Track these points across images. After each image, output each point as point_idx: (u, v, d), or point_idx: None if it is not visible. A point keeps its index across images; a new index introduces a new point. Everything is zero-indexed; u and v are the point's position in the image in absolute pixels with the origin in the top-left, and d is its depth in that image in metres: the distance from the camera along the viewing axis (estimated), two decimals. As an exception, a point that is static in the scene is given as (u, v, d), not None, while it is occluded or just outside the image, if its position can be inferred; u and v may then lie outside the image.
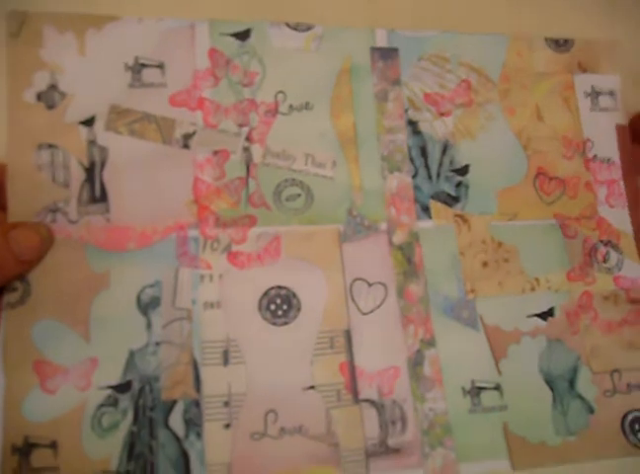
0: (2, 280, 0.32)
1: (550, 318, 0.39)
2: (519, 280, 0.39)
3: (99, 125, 0.36)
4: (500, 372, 0.37)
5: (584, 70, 0.44)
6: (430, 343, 0.37)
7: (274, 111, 0.38)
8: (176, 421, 0.33)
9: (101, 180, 0.35)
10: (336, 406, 0.35)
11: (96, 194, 0.35)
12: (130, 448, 0.32)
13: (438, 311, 0.37)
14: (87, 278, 0.34)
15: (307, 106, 0.39)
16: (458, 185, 0.40)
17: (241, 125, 0.38)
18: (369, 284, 0.37)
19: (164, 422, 0.33)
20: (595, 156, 0.43)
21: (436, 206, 0.39)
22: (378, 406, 0.35)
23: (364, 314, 0.37)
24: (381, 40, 0.41)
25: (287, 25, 0.40)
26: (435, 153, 0.40)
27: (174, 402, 0.33)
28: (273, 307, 0.36)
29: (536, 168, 0.41)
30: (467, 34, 0.42)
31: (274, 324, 0.36)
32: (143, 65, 0.37)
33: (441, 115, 0.41)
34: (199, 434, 0.33)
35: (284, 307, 0.36)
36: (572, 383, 0.38)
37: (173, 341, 0.34)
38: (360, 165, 0.39)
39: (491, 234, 0.39)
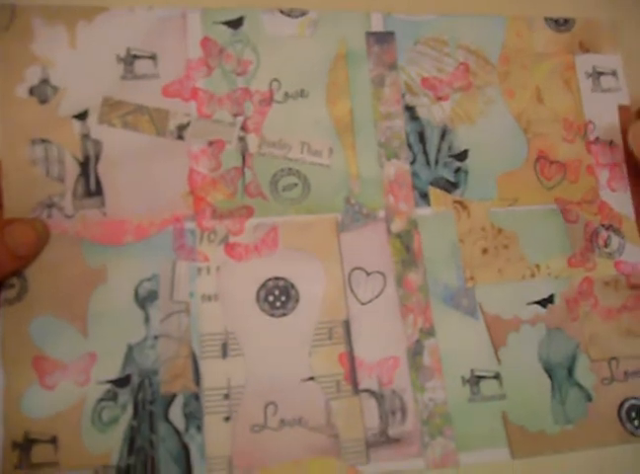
0: (-1, 277, 0.32)
1: (550, 305, 0.38)
2: (519, 267, 0.39)
3: (92, 119, 0.36)
4: (499, 361, 0.37)
5: (585, 50, 0.43)
6: (429, 332, 0.36)
7: (268, 99, 0.38)
8: (176, 414, 0.33)
9: (96, 173, 0.35)
10: (336, 397, 0.35)
11: (91, 188, 0.35)
12: (131, 443, 0.32)
13: (437, 300, 0.37)
14: (84, 274, 0.34)
15: (302, 93, 0.38)
16: (457, 170, 0.39)
17: (236, 115, 0.37)
18: (368, 274, 0.37)
19: (164, 415, 0.33)
20: (596, 138, 0.42)
21: (434, 193, 0.39)
22: (378, 396, 0.35)
23: (363, 304, 0.36)
24: (377, 25, 0.40)
25: (281, 11, 0.39)
26: (433, 139, 0.40)
27: (173, 395, 0.33)
28: (271, 298, 0.36)
29: (537, 151, 0.41)
30: (465, 15, 0.41)
31: (272, 315, 0.35)
32: (135, 57, 0.37)
33: (439, 99, 0.40)
34: (199, 428, 0.33)
35: (283, 298, 0.36)
36: (570, 371, 0.38)
37: (171, 334, 0.34)
38: (357, 152, 0.38)
39: (491, 221, 0.39)
